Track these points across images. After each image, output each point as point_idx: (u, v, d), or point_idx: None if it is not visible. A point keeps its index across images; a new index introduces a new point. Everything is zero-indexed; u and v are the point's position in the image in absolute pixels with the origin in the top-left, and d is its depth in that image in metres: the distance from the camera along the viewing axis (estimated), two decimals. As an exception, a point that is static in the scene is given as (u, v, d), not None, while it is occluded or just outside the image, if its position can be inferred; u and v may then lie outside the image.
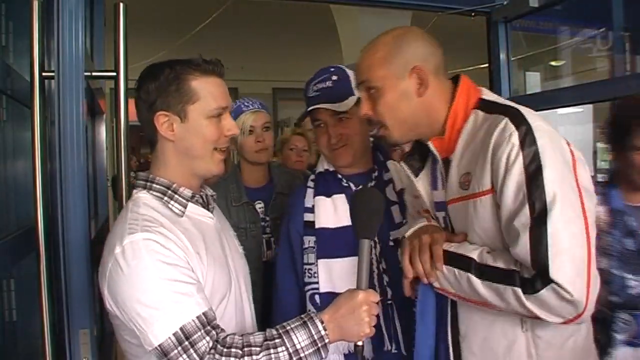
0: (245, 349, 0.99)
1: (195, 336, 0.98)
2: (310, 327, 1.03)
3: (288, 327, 1.04)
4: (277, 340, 1.01)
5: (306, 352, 1.02)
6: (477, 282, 1.03)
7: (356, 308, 1.05)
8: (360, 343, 1.08)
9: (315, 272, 1.53)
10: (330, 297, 1.52)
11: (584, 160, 1.06)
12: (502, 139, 1.01)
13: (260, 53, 7.54)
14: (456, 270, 1.07)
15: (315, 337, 1.03)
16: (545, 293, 0.93)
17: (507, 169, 0.99)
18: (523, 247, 0.96)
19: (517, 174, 0.98)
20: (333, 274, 1.52)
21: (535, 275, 0.95)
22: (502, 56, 2.23)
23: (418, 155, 1.25)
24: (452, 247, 1.10)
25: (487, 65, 2.31)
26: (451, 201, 1.13)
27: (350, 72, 1.59)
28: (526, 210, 0.96)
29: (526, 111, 1.05)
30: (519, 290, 0.96)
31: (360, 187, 1.21)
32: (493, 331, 1.09)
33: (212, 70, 1.14)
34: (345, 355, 1.52)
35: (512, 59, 2.29)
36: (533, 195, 0.96)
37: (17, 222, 1.68)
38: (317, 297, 1.53)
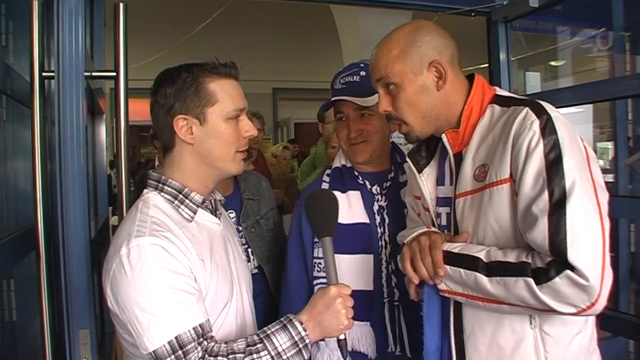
0: (230, 356, 1.00)
1: (188, 347, 0.99)
2: (290, 329, 1.05)
3: (269, 332, 1.05)
4: (258, 345, 1.02)
5: (288, 354, 1.03)
6: (484, 280, 1.03)
7: (331, 302, 1.07)
8: (342, 337, 1.10)
9: (324, 267, 1.53)
10: None
11: (595, 157, 1.07)
12: (523, 127, 1.02)
13: (260, 53, 7.55)
14: (462, 271, 1.06)
15: (296, 338, 1.04)
16: (559, 281, 0.93)
17: (528, 155, 1.00)
18: (541, 232, 0.96)
19: (537, 161, 0.99)
20: (342, 269, 1.51)
21: (550, 262, 0.95)
22: (502, 56, 2.23)
23: (425, 150, 1.26)
24: (457, 248, 1.09)
25: (487, 65, 2.31)
26: (461, 195, 1.13)
27: None
28: (545, 196, 0.97)
29: (544, 103, 1.07)
30: (531, 281, 0.96)
31: (312, 191, 1.23)
32: (501, 328, 1.09)
33: (229, 72, 1.15)
34: (349, 353, 1.52)
35: (512, 59, 2.29)
36: (553, 181, 0.97)
37: (17, 222, 1.68)
38: None
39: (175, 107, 1.11)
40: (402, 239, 1.25)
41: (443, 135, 1.16)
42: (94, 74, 1.53)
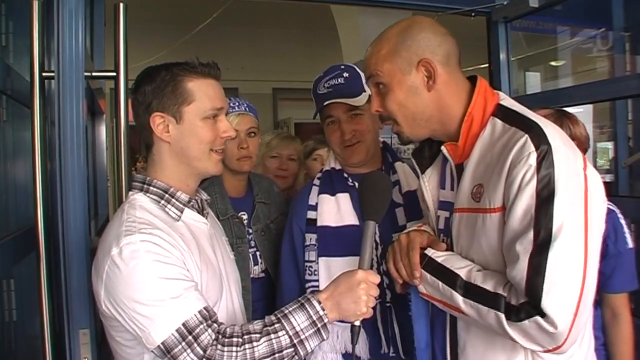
0: (246, 336, 1.00)
1: (198, 330, 0.99)
2: (308, 308, 1.04)
3: (286, 311, 1.04)
4: (276, 325, 1.02)
5: (306, 334, 1.02)
6: (460, 299, 1.02)
7: (354, 286, 1.05)
8: (357, 323, 1.08)
9: (315, 270, 1.53)
10: None
11: (599, 181, 1.03)
12: (520, 157, 0.97)
13: (260, 53, 7.54)
14: (440, 284, 1.06)
15: (314, 317, 1.03)
16: (527, 324, 0.93)
17: (520, 189, 0.96)
18: (520, 272, 0.94)
19: (528, 197, 0.95)
20: (333, 272, 1.52)
21: (523, 304, 0.94)
22: (502, 56, 2.23)
23: (428, 151, 1.23)
24: (441, 258, 1.09)
25: (487, 65, 2.31)
26: (460, 210, 1.10)
27: (359, 71, 1.59)
28: (530, 235, 0.94)
29: (548, 128, 1.00)
30: (502, 316, 0.96)
31: (372, 171, 1.19)
32: (492, 346, 1.07)
33: (208, 72, 1.15)
34: (342, 355, 1.52)
35: (512, 59, 2.30)
36: (540, 221, 0.94)
37: (17, 222, 1.68)
38: None
39: (152, 105, 1.12)
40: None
41: (442, 148, 1.13)
42: (94, 74, 1.52)
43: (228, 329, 1.02)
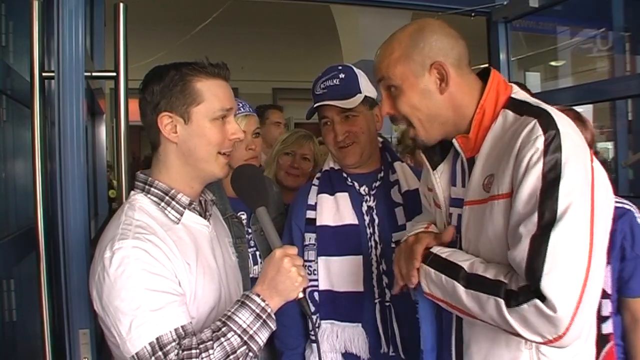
0: (201, 345, 1.00)
1: (168, 347, 0.98)
2: (249, 304, 1.05)
3: (229, 313, 1.05)
4: (223, 329, 1.02)
5: (254, 328, 1.03)
6: (461, 290, 1.01)
7: (279, 264, 1.07)
8: (301, 295, 1.10)
9: (315, 270, 1.53)
10: (329, 295, 1.53)
11: (604, 173, 1.02)
12: (527, 141, 0.97)
13: (260, 53, 7.56)
14: (444, 277, 1.05)
15: (257, 310, 1.04)
16: (526, 308, 0.90)
17: (526, 172, 0.95)
18: (520, 252, 0.93)
19: (534, 179, 0.94)
20: (332, 271, 1.52)
21: (522, 288, 0.92)
22: (502, 56, 2.23)
23: (439, 148, 1.22)
24: (445, 254, 1.08)
25: (487, 65, 2.31)
26: (470, 202, 1.09)
27: (358, 71, 1.59)
28: (534, 217, 0.93)
29: (557, 115, 1.00)
30: (501, 302, 0.94)
31: (235, 169, 1.23)
32: (497, 345, 1.07)
33: (217, 72, 1.14)
34: (342, 354, 1.52)
35: (512, 59, 2.30)
36: (545, 204, 0.92)
37: (17, 222, 1.68)
38: (316, 295, 1.54)
39: (160, 105, 1.11)
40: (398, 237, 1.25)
41: (454, 140, 1.12)
42: (94, 74, 1.52)
43: (186, 341, 1.01)
